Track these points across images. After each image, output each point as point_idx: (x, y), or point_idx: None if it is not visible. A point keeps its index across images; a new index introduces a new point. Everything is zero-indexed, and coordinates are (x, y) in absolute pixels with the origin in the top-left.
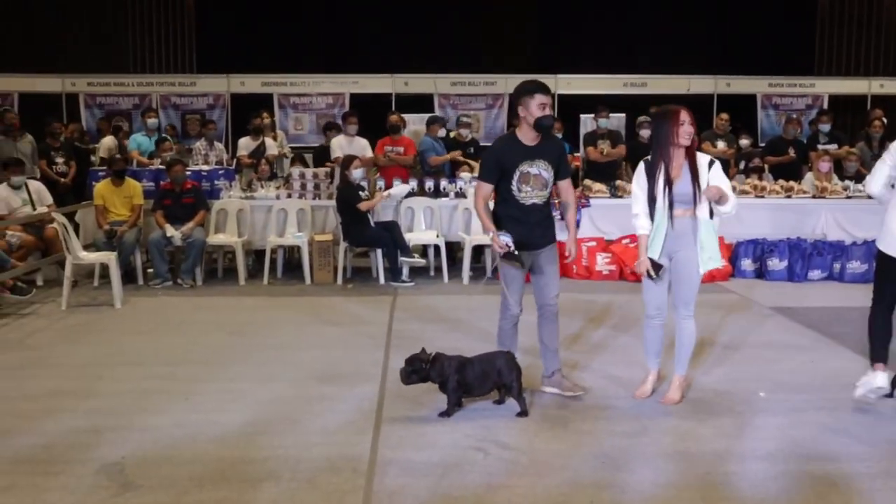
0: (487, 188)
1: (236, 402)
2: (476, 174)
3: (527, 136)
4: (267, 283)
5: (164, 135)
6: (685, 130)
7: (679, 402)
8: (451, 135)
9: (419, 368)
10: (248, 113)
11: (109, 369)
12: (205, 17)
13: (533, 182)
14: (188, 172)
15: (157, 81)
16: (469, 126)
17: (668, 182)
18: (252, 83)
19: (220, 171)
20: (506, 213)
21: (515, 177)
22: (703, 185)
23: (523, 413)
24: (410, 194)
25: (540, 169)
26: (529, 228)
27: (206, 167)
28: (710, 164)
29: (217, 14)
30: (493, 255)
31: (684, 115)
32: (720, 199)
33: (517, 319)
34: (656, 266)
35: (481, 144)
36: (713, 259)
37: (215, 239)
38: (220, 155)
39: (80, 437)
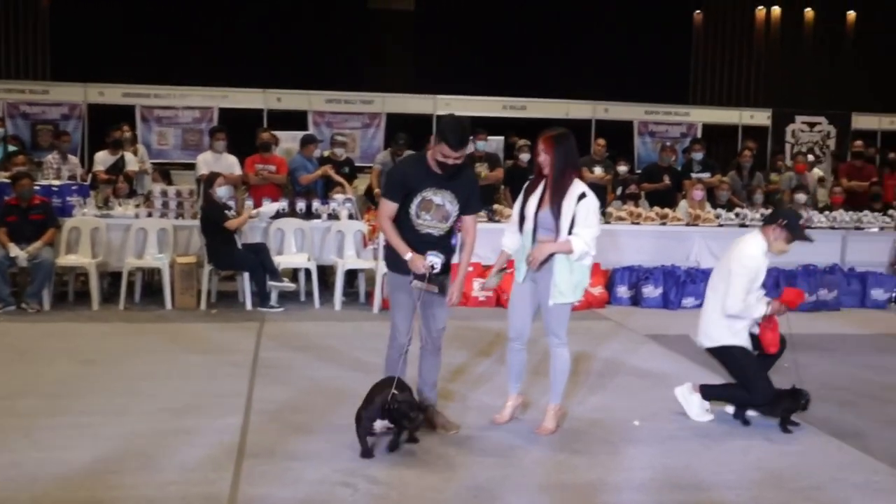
0: (392, 207)
1: (84, 438)
2: (350, 195)
3: (434, 164)
4: (123, 309)
5: (9, 146)
6: (539, 160)
7: (554, 431)
8: (325, 154)
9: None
10: (107, 125)
11: None
12: (61, 21)
13: (434, 212)
14: (37, 187)
15: (4, 88)
16: (344, 145)
17: (539, 206)
18: (112, 93)
19: (74, 187)
20: (404, 233)
21: (416, 201)
22: (567, 214)
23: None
24: (281, 215)
25: (445, 200)
26: (422, 253)
27: (57, 182)
28: (581, 196)
29: (75, 18)
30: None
31: (539, 145)
32: (540, 263)
33: (405, 349)
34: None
35: (357, 164)
36: (563, 294)
37: (66, 260)
38: (74, 169)
39: None
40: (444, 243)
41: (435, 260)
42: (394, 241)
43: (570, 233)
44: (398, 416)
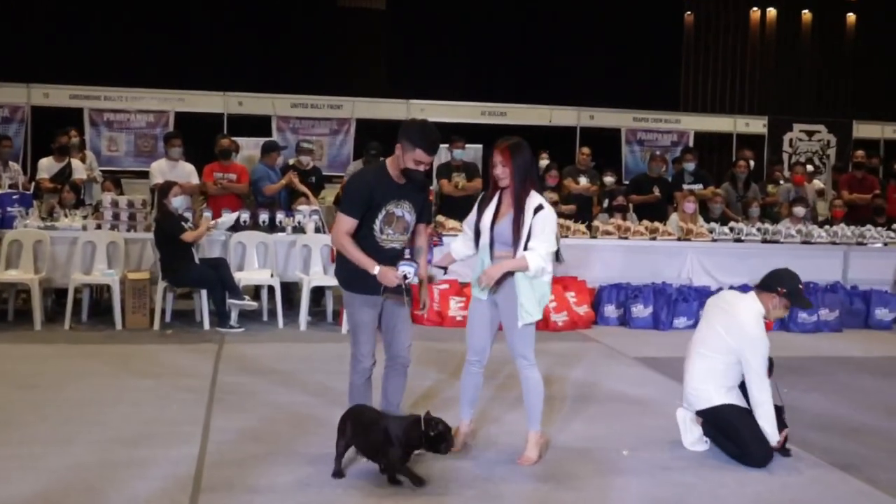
0: (351, 223)
1: (24, 470)
2: (315, 207)
3: (396, 172)
4: (69, 328)
5: None
6: (496, 173)
7: (537, 461)
8: (291, 162)
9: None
10: (52, 129)
11: None
12: (1, 15)
13: (395, 225)
14: None
15: None
16: (311, 153)
17: (494, 219)
18: (58, 95)
19: (15, 196)
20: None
21: (381, 216)
22: (525, 228)
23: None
24: (242, 227)
25: (404, 211)
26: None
27: None
28: (538, 209)
29: (17, 14)
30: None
31: (496, 156)
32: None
33: (370, 373)
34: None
35: (325, 174)
36: (530, 314)
37: (6, 276)
38: (16, 177)
39: None
40: (403, 256)
41: (408, 269)
42: (356, 256)
43: (525, 248)
44: (437, 440)
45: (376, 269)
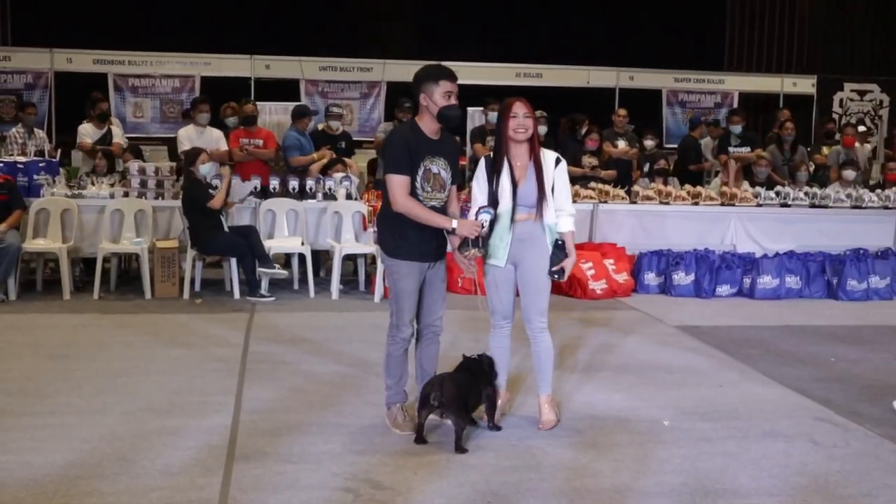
0: (405, 181)
1: (57, 440)
2: (349, 173)
3: (428, 127)
4: (98, 298)
5: None
6: (518, 123)
7: (557, 422)
8: (320, 127)
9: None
10: (76, 96)
11: None
12: None
13: (433, 182)
14: (0, 164)
15: None
16: (340, 118)
17: (513, 183)
18: (81, 60)
19: (41, 164)
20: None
21: (420, 172)
22: (549, 184)
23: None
24: (270, 194)
25: (440, 168)
26: (428, 236)
27: (22, 158)
28: (557, 161)
29: None
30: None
31: (518, 107)
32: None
33: (409, 343)
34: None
35: (355, 139)
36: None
37: (34, 245)
38: (41, 144)
39: None
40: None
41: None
42: (427, 215)
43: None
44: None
45: (454, 223)
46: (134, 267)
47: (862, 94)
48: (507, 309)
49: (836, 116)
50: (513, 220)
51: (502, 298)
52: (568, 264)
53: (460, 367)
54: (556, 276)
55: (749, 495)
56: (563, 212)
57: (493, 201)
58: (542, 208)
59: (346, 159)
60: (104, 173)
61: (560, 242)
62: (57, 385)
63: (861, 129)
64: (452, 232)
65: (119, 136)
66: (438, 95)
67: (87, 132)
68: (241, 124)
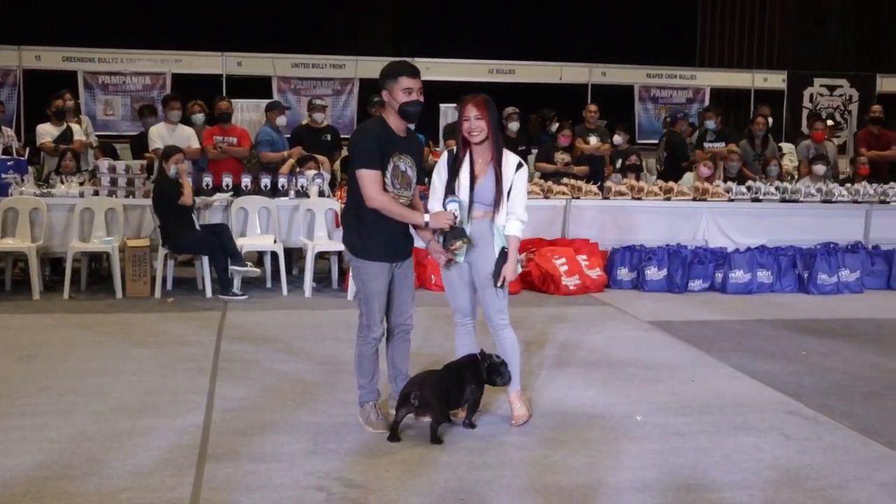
0: (377, 176)
1: (26, 441)
2: (321, 170)
3: (395, 124)
4: (68, 298)
5: None
6: (470, 126)
7: (530, 416)
8: (304, 122)
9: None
10: (46, 94)
11: None
12: None
13: (402, 179)
14: None
15: None
16: (323, 109)
17: (472, 179)
18: (50, 58)
19: (10, 162)
20: (374, 214)
21: (389, 169)
22: (507, 185)
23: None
24: (242, 192)
25: (407, 166)
26: (395, 235)
27: None
28: (518, 166)
29: None
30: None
31: (469, 109)
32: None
33: (380, 342)
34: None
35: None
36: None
37: (2, 244)
38: (10, 142)
39: None
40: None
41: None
42: (401, 211)
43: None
44: (492, 371)
45: (427, 217)
46: (105, 266)
47: (832, 89)
48: (466, 306)
49: (805, 111)
50: (469, 216)
51: (458, 295)
52: (507, 270)
53: (451, 366)
54: (496, 284)
55: (721, 489)
56: (514, 215)
57: (451, 193)
58: (499, 207)
59: (318, 156)
60: (71, 173)
61: (505, 250)
62: (27, 386)
63: (830, 123)
64: (426, 226)
65: (80, 133)
66: (399, 91)
67: (46, 131)
68: (216, 121)
